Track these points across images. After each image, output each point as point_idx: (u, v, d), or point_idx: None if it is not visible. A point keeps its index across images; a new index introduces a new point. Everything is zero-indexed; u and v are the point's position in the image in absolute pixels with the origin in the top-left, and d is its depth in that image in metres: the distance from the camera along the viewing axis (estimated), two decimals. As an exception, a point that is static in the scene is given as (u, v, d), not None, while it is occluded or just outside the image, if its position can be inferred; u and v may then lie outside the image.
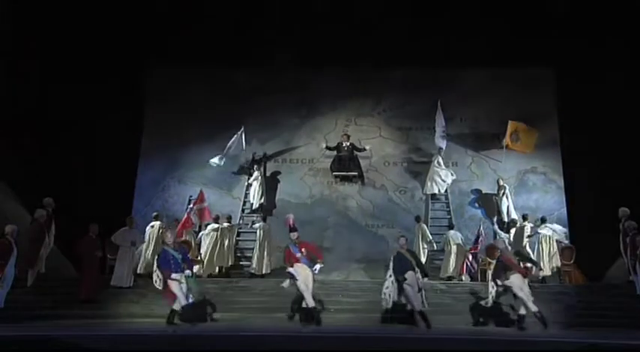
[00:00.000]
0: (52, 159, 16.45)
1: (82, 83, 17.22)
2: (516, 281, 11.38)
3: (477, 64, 18.75)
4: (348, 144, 18.30)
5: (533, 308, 11.20)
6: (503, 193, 17.39)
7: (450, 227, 16.96)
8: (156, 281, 11.45)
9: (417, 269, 11.93)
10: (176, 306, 11.23)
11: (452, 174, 17.85)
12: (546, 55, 18.31)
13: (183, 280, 11.24)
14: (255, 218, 17.25)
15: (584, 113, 17.32)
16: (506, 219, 17.03)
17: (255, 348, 9.23)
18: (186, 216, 16.11)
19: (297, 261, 11.87)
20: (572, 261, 15.71)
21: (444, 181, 17.79)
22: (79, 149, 17.19)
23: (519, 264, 11.74)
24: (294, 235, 12.36)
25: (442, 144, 18.12)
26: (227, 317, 12.30)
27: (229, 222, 16.55)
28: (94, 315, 11.98)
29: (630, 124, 16.37)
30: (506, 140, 17.67)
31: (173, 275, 11.10)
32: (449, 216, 17.78)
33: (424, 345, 9.44)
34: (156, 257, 11.82)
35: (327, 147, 18.46)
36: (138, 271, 15.03)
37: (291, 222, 12.69)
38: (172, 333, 10.56)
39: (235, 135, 18.06)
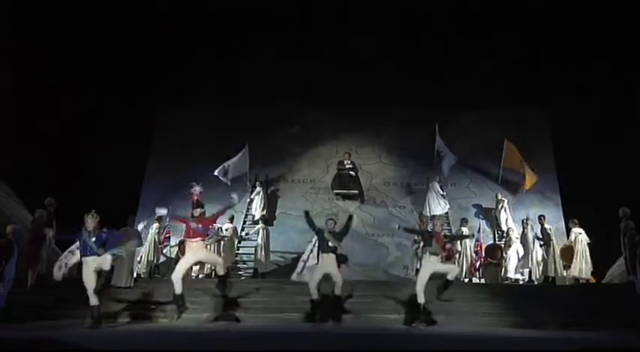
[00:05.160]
0: (59, 163, 16.57)
1: (96, 99, 17.93)
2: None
3: (475, 103, 19.34)
4: (350, 162, 18.43)
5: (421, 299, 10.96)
6: (502, 206, 17.36)
7: (464, 222, 16.86)
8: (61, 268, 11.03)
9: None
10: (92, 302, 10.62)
11: (446, 204, 17.81)
12: (542, 96, 19.00)
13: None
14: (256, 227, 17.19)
15: (579, 142, 17.98)
16: (504, 229, 16.99)
17: (256, 348, 9.06)
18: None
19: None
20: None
21: (441, 206, 17.73)
22: (87, 160, 17.48)
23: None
24: (196, 212, 11.46)
25: (446, 168, 18.19)
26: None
27: (231, 222, 16.38)
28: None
29: (621, 149, 17.15)
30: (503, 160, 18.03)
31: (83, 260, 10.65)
32: (450, 234, 17.61)
33: (424, 345, 9.25)
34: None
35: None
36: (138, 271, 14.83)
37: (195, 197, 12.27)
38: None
39: (240, 153, 18.19)
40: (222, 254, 15.64)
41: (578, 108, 18.01)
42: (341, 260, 11.53)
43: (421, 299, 11.06)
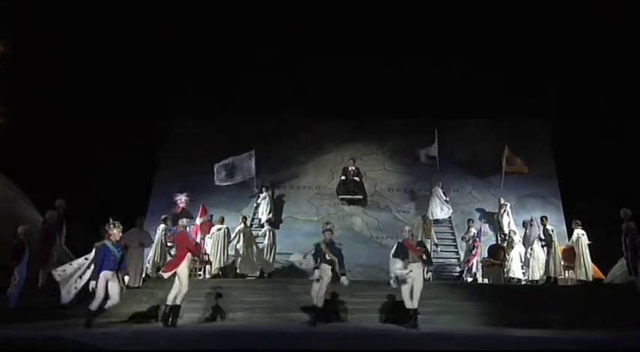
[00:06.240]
0: (69, 165, 16.81)
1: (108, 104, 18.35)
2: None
3: (476, 113, 19.60)
4: (354, 168, 18.59)
5: (410, 305, 10.94)
6: (504, 210, 17.38)
7: (470, 222, 17.07)
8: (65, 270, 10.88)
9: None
10: (92, 306, 10.47)
11: (449, 209, 17.99)
12: (542, 109, 19.36)
13: (113, 279, 10.58)
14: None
15: (578, 150, 18.34)
16: (507, 232, 16.94)
17: (261, 347, 9.07)
18: (194, 229, 16.27)
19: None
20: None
21: (444, 211, 17.97)
22: (98, 163, 17.77)
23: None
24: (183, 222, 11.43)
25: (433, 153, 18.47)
26: (232, 316, 12.16)
27: (244, 222, 16.35)
28: (104, 315, 11.38)
29: (622, 149, 17.55)
30: (504, 166, 18.11)
31: (103, 273, 10.45)
32: (453, 237, 17.84)
33: (424, 345, 9.14)
34: (94, 252, 10.83)
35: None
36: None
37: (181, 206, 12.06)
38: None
39: (246, 154, 18.34)
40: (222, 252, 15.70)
41: (578, 110, 18.21)
42: (341, 272, 11.58)
43: (409, 305, 11.05)
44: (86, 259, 11.12)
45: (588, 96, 18.86)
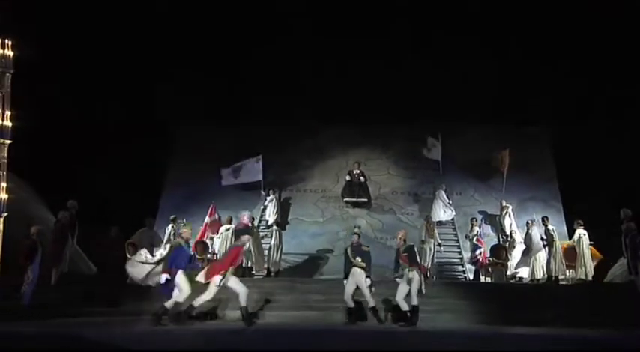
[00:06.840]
0: (82, 166, 17.14)
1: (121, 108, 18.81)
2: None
3: (477, 119, 19.78)
4: (359, 171, 18.76)
5: (405, 307, 11.21)
6: (506, 213, 17.53)
7: (474, 221, 17.37)
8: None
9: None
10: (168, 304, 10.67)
11: (452, 211, 18.14)
12: (542, 110, 19.59)
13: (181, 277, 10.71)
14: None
15: (578, 150, 18.60)
16: (508, 234, 17.14)
17: (265, 347, 9.17)
18: (202, 228, 16.52)
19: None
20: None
21: (447, 214, 18.13)
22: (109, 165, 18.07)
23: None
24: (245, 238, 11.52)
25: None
26: (238, 315, 12.12)
27: (252, 222, 16.45)
28: (116, 313, 11.77)
29: (615, 159, 17.69)
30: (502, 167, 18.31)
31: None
32: (456, 238, 18.02)
33: (424, 345, 9.23)
34: (169, 249, 11.11)
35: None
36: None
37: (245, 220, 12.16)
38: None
39: (254, 158, 18.55)
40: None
41: (578, 111, 18.47)
42: (366, 274, 11.82)
43: (404, 307, 11.32)
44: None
45: (588, 97, 18.99)
